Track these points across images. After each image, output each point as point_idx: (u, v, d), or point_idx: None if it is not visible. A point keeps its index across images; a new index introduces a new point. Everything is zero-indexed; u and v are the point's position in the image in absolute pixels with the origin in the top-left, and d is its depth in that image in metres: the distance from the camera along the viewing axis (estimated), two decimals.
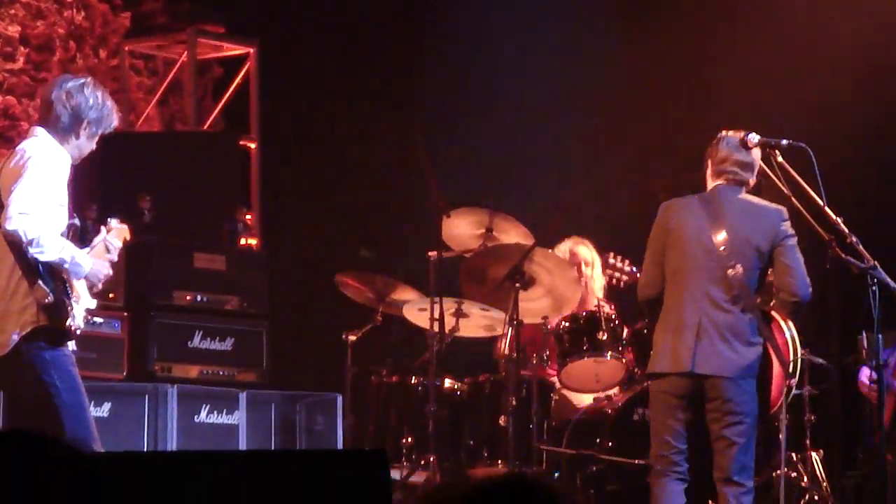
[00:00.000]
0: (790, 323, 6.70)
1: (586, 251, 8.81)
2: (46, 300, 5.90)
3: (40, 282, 5.91)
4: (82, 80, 6.28)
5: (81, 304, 6.10)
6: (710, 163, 6.78)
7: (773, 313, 6.69)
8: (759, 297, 6.70)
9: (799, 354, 6.64)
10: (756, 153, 6.71)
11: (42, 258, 5.89)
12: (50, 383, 5.93)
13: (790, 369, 6.55)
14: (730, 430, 6.51)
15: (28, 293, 5.93)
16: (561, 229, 8.78)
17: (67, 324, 5.97)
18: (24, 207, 5.85)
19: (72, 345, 6.10)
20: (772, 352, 6.56)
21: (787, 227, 6.63)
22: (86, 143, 6.23)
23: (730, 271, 6.51)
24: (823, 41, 9.88)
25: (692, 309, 6.55)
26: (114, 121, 6.30)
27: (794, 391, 6.68)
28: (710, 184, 6.78)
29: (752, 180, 6.76)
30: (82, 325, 6.07)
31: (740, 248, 6.57)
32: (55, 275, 5.96)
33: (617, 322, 8.36)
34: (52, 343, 5.95)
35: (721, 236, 6.59)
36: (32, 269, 5.92)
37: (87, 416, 6.08)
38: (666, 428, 6.61)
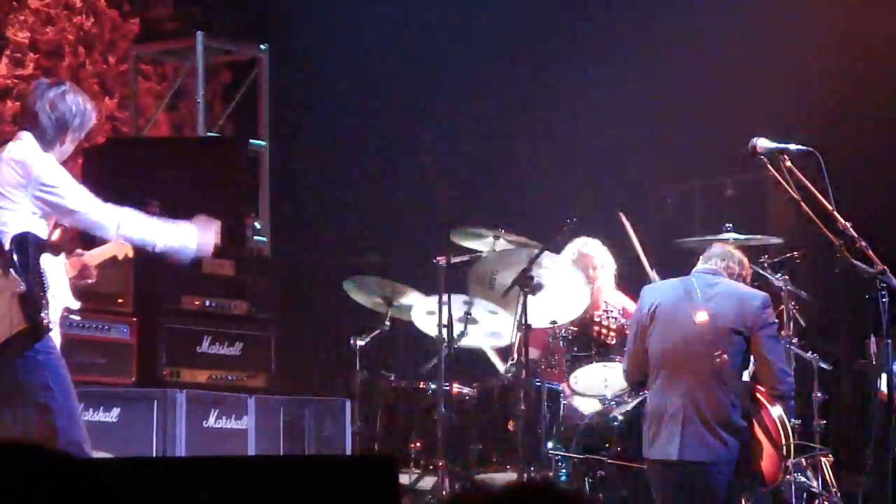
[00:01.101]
0: (777, 406, 6.68)
1: (596, 251, 8.78)
2: (18, 288, 5.93)
3: (12, 271, 5.94)
4: (63, 88, 6.30)
5: (58, 300, 6.10)
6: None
7: (759, 395, 6.69)
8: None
9: (791, 437, 6.63)
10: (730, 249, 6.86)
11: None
12: (44, 386, 5.95)
13: (784, 452, 6.56)
14: None
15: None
16: (569, 236, 8.77)
17: (41, 316, 5.97)
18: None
19: (56, 339, 6.10)
20: (761, 433, 6.57)
21: (767, 314, 6.66)
22: (69, 148, 6.32)
23: (716, 359, 6.54)
24: (835, 47, 9.88)
25: (676, 396, 6.58)
26: (93, 121, 6.37)
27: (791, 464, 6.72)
28: (699, 264, 6.94)
29: (738, 271, 6.89)
30: (56, 321, 6.07)
31: (723, 335, 6.59)
32: (30, 267, 5.99)
33: (625, 327, 8.34)
34: (36, 340, 5.97)
35: (704, 323, 6.61)
36: (7, 261, 5.97)
37: (79, 418, 6.11)
38: None
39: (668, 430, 6.56)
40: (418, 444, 8.43)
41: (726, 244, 7.05)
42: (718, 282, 6.74)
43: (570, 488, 7.15)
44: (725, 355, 6.52)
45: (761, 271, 8.25)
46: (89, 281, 6.38)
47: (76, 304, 6.28)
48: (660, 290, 6.87)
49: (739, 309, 6.64)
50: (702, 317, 6.63)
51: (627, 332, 8.33)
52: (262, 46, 10.61)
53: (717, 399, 6.50)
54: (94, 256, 6.50)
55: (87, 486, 1.92)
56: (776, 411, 6.57)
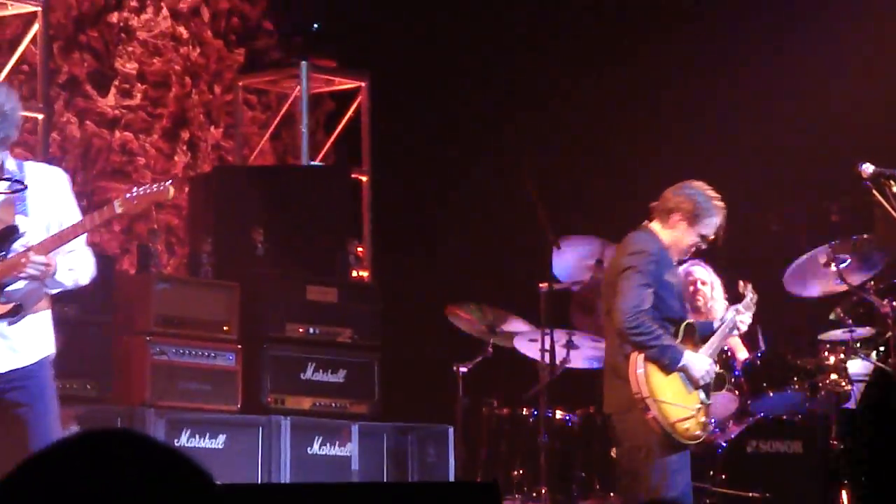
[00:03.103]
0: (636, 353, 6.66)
1: (702, 271, 8.70)
2: None
3: None
4: None
5: None
6: None
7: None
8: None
9: (645, 385, 6.62)
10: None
11: None
12: None
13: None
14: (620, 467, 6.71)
15: None
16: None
17: None
18: None
19: None
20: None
21: (627, 259, 6.60)
22: None
23: (608, 312, 6.64)
24: None
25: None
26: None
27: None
28: None
29: (667, 206, 6.75)
30: None
31: (609, 287, 6.69)
32: None
33: (730, 354, 8.29)
34: None
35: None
36: None
37: None
38: None
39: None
40: (521, 471, 8.42)
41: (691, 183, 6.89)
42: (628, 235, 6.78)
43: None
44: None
45: (867, 296, 8.16)
46: (31, 272, 5.74)
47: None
48: None
49: (618, 258, 6.68)
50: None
51: (733, 358, 8.29)
52: (364, 76, 10.69)
53: (612, 349, 6.58)
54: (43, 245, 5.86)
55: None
56: (634, 358, 6.55)
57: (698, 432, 6.61)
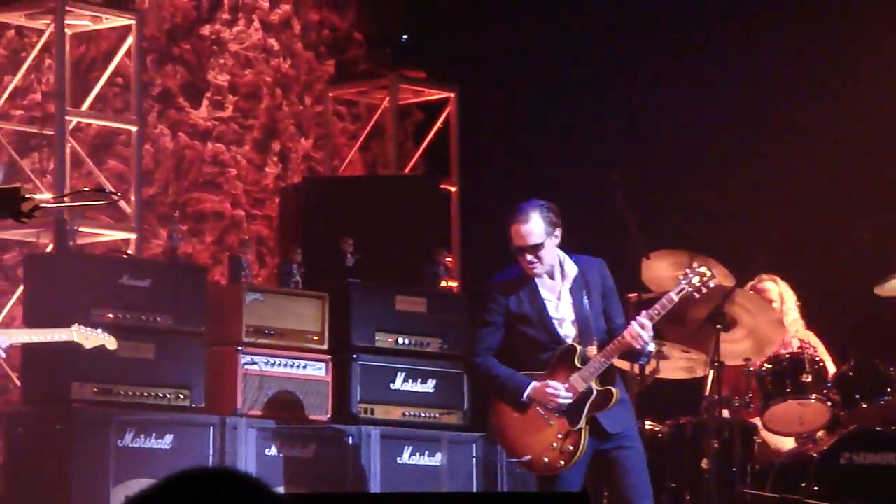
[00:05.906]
0: None
1: (772, 286, 8.69)
2: None
3: None
4: None
5: None
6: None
7: None
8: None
9: None
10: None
11: None
12: None
13: None
14: None
15: None
16: (762, 270, 8.69)
17: None
18: None
19: None
20: None
21: None
22: None
23: None
24: None
25: None
26: None
27: None
28: None
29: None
30: None
31: None
32: None
33: (821, 364, 8.23)
34: None
35: None
36: None
37: None
38: None
39: None
40: None
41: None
42: None
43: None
44: None
45: None
46: None
47: None
48: None
49: None
50: None
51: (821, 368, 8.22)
52: (453, 86, 10.72)
53: None
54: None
55: None
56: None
57: (560, 463, 6.73)
